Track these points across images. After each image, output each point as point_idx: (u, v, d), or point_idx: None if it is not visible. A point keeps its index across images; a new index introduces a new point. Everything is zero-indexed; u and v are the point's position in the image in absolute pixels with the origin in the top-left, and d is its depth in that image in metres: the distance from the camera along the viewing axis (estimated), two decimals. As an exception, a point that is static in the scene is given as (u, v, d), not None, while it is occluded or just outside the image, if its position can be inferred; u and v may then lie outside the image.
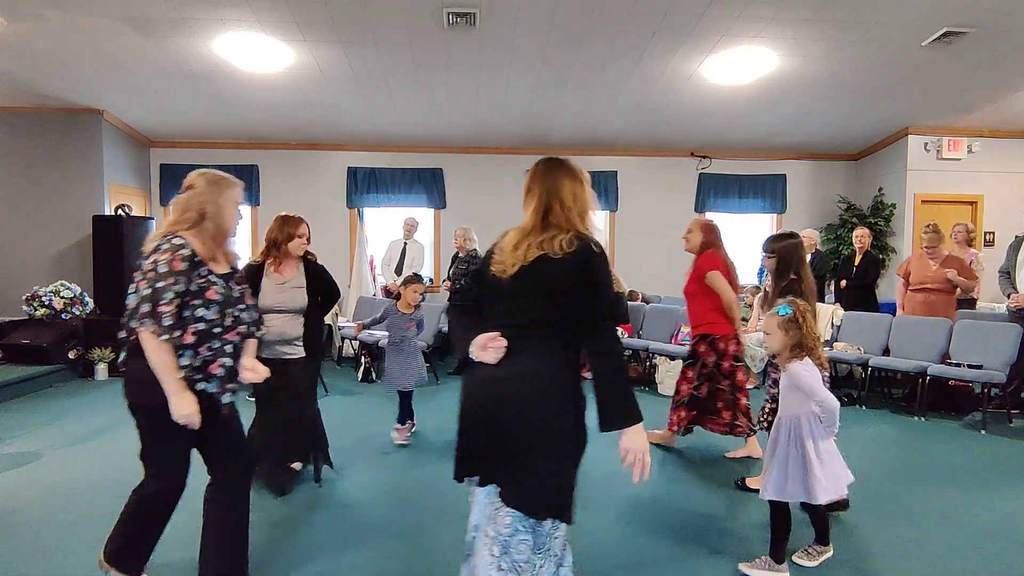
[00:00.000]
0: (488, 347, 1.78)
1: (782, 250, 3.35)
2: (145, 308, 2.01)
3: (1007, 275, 5.41)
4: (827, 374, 2.83)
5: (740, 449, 4.12)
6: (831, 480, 2.49)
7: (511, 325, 1.80)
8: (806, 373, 2.51)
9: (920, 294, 5.79)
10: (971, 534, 3.01)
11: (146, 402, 2.09)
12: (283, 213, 3.55)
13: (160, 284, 2.02)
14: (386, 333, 4.66)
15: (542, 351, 1.78)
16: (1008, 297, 5.34)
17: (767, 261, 3.43)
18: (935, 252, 5.66)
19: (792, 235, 3.45)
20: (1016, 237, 5.50)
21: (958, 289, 5.70)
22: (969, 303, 6.19)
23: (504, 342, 1.78)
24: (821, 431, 2.51)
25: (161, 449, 2.18)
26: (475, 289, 2.03)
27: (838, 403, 2.51)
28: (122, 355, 2.18)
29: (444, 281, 6.92)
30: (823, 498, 2.47)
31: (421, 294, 4.53)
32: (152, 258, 2.06)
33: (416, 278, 4.51)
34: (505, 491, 1.77)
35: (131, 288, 2.09)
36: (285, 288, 3.40)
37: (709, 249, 4.10)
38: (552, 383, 1.77)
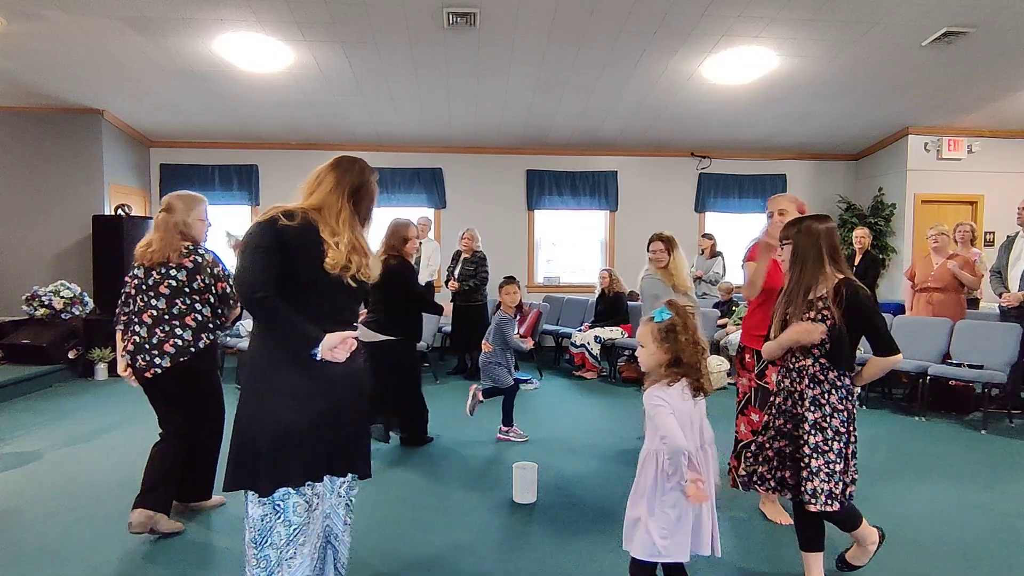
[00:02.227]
0: (340, 348, 1.85)
1: (797, 236, 2.39)
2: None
3: (998, 274, 5.43)
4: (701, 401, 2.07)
5: None
6: (659, 538, 1.95)
7: (350, 322, 2.00)
8: (660, 402, 1.98)
9: (924, 294, 5.80)
10: (971, 534, 3.01)
11: (216, 361, 3.12)
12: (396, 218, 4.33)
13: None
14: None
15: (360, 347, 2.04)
16: (1000, 296, 5.35)
17: (784, 250, 2.47)
18: (941, 251, 5.68)
19: (818, 217, 2.43)
20: (1007, 237, 5.52)
21: (965, 288, 5.70)
22: (972, 303, 6.19)
23: (354, 341, 1.92)
24: (664, 481, 1.96)
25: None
26: (272, 274, 1.82)
27: (685, 446, 1.91)
28: (208, 338, 2.92)
29: (449, 281, 6.90)
30: (634, 550, 2.01)
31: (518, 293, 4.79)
32: (221, 264, 2.99)
33: (508, 280, 4.76)
34: (358, 467, 2.07)
35: (225, 287, 2.94)
36: None
37: None
38: (365, 371, 2.14)
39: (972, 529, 3.06)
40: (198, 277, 2.87)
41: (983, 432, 4.82)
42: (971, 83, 6.56)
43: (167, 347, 2.81)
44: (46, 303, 6.53)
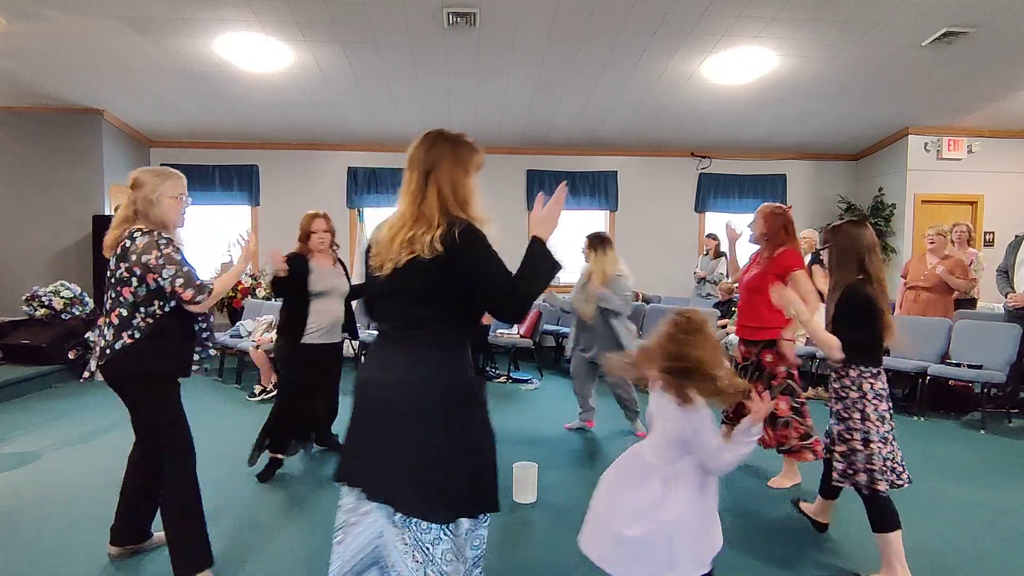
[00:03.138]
0: None
1: (834, 239, 2.63)
2: (182, 282, 2.36)
3: (1005, 274, 5.43)
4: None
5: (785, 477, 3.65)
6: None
7: (391, 326, 1.73)
8: None
9: (912, 292, 5.83)
10: (969, 533, 3.01)
11: (161, 369, 2.43)
12: (310, 211, 3.85)
13: (187, 268, 2.40)
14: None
15: (416, 353, 1.68)
16: (1006, 296, 5.35)
17: (826, 254, 2.80)
18: (937, 252, 5.68)
19: (854, 222, 2.65)
20: (1016, 236, 5.51)
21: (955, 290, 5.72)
22: (970, 303, 6.19)
23: None
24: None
25: (178, 410, 2.50)
26: (359, 280, 1.90)
27: None
28: (130, 337, 2.36)
29: None
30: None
31: None
32: (160, 251, 2.35)
33: None
34: (394, 499, 1.66)
35: (157, 279, 2.34)
36: (331, 274, 3.73)
37: (787, 242, 3.54)
38: (425, 386, 1.66)
39: (971, 529, 3.06)
40: (122, 265, 2.36)
41: (982, 432, 4.82)
42: (971, 83, 6.56)
43: (97, 349, 2.43)
44: (46, 303, 6.53)
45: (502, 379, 6.66)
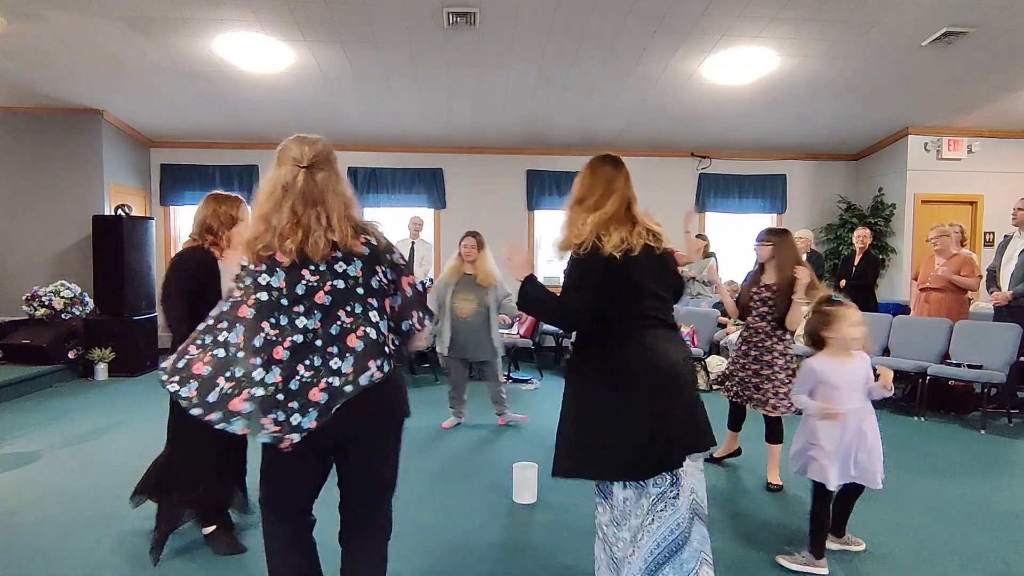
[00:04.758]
0: None
1: (787, 243, 3.76)
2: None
3: (992, 274, 5.48)
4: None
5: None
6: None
7: (668, 317, 2.33)
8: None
9: (923, 294, 5.86)
10: (969, 533, 3.01)
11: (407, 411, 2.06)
12: (217, 192, 2.83)
13: None
14: None
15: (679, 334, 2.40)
16: (990, 294, 5.40)
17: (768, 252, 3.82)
18: (943, 252, 5.72)
19: (786, 231, 3.83)
20: (1005, 236, 5.56)
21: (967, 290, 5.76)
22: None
23: None
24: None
25: None
26: None
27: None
28: (379, 369, 1.77)
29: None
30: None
31: None
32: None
33: None
34: None
35: (410, 285, 1.92)
36: None
37: None
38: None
39: (970, 528, 3.07)
40: (377, 267, 1.86)
41: (982, 432, 4.82)
42: (971, 83, 6.56)
43: (324, 384, 1.75)
44: (46, 303, 6.54)
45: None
